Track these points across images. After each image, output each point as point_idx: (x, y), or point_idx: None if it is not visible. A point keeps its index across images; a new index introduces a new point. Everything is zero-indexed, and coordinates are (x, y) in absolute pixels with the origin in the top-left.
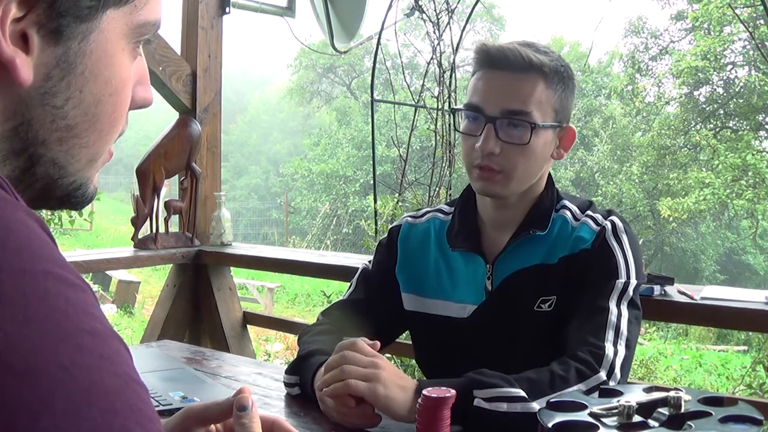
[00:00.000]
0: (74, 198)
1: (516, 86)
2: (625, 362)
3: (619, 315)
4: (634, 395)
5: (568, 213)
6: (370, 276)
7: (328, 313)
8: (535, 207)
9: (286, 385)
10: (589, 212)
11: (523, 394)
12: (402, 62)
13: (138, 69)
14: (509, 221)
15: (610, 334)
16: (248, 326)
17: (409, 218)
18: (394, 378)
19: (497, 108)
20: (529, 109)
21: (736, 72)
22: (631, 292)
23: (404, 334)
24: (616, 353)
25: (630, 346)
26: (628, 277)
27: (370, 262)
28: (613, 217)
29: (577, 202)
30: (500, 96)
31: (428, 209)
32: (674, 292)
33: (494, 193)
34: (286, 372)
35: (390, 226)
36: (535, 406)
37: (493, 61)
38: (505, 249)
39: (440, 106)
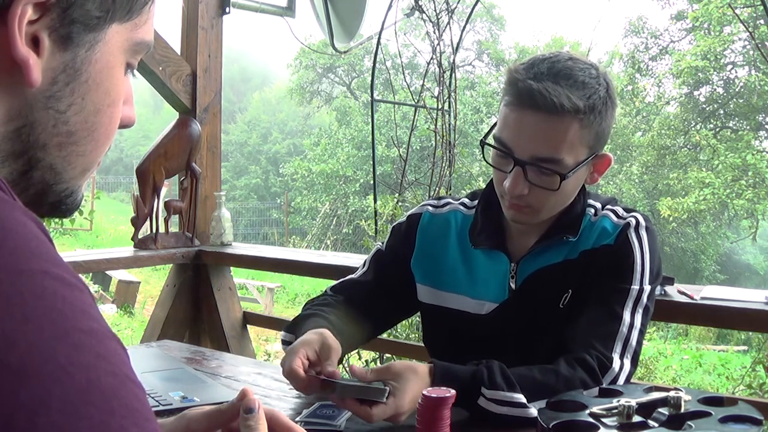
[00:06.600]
0: (64, 205)
1: (547, 131)
2: (628, 378)
3: (631, 326)
4: (634, 395)
5: (592, 210)
6: (382, 259)
7: (338, 290)
8: (566, 213)
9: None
10: (609, 206)
11: (524, 400)
12: (402, 62)
13: (125, 88)
14: (537, 226)
15: (618, 346)
16: (248, 326)
17: (430, 207)
18: None
19: (527, 153)
20: (559, 156)
21: (736, 72)
22: (645, 299)
23: (403, 334)
24: (621, 367)
25: (635, 362)
26: (642, 281)
27: (383, 243)
28: (636, 214)
29: (600, 199)
30: (530, 140)
31: (449, 200)
32: (674, 292)
33: (524, 222)
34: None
35: (409, 213)
36: (534, 411)
37: (523, 99)
38: (532, 250)
39: (440, 106)
